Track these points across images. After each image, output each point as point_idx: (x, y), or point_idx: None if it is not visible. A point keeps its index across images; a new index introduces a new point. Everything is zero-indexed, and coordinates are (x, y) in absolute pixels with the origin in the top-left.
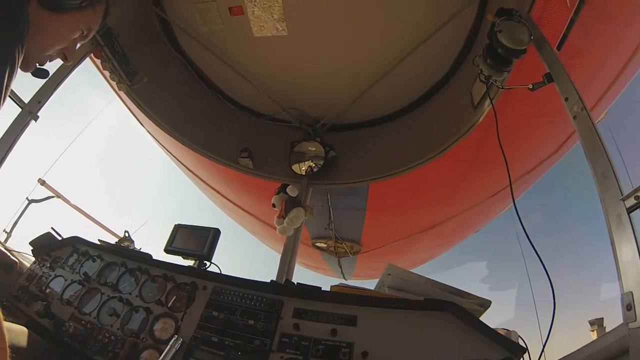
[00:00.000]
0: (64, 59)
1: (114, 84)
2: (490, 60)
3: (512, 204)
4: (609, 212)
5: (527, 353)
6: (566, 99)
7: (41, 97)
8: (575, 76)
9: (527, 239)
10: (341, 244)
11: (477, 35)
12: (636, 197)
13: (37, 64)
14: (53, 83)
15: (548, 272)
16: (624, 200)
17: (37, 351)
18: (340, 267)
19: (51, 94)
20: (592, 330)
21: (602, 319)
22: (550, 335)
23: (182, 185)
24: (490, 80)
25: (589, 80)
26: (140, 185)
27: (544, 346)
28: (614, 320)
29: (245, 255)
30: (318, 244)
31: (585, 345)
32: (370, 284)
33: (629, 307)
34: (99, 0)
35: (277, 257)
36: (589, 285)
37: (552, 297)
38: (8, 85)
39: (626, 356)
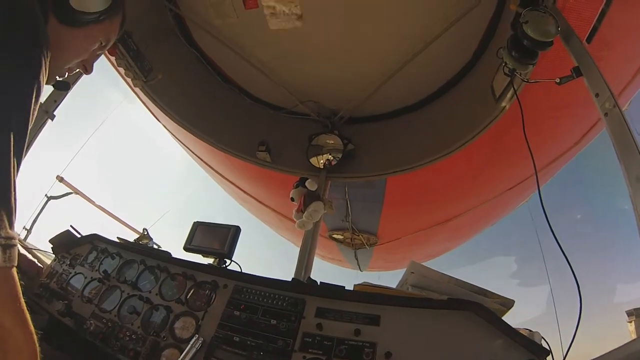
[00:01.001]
0: (84, 70)
1: (129, 80)
2: (515, 52)
3: (538, 196)
4: None
5: (550, 355)
6: (596, 95)
7: (57, 97)
8: (603, 69)
9: (552, 234)
10: (358, 236)
11: (497, 26)
12: None
13: (58, 77)
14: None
15: (574, 271)
16: None
17: None
18: (357, 259)
19: (67, 93)
20: (630, 322)
21: None
22: (575, 337)
23: (200, 180)
24: (515, 73)
25: (615, 73)
26: (158, 181)
27: (568, 349)
28: None
29: (263, 248)
30: (335, 236)
31: (622, 346)
32: (387, 275)
33: None
34: (116, 12)
35: (294, 250)
36: (615, 285)
37: (577, 295)
38: (35, 107)
39: None
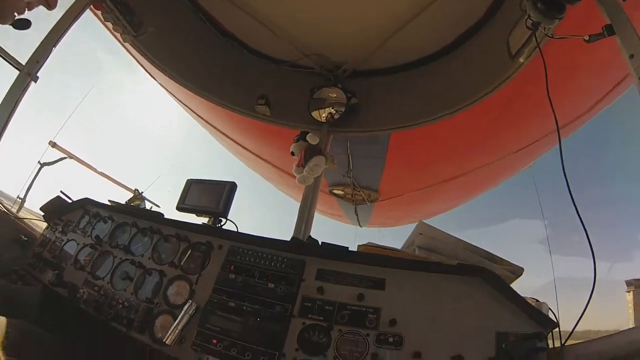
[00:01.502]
0: (46, 5)
1: (118, 36)
2: (541, 4)
3: (561, 161)
4: None
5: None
6: (631, 56)
7: (39, 57)
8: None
9: (572, 203)
10: (359, 191)
11: None
12: None
13: (16, 14)
14: (50, 41)
15: (590, 240)
16: None
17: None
18: (357, 215)
19: (49, 53)
20: (629, 291)
21: None
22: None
23: (200, 137)
24: (539, 27)
25: None
26: (157, 140)
27: (576, 323)
28: None
29: (263, 207)
30: (335, 191)
31: (625, 331)
32: (391, 233)
33: None
34: None
35: (294, 207)
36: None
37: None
38: None
39: None
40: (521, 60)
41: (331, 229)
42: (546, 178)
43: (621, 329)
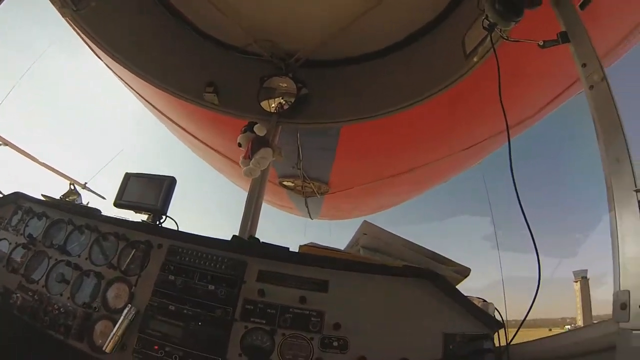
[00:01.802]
0: None
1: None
2: (500, 5)
3: (509, 160)
4: (617, 201)
5: (504, 329)
6: (583, 65)
7: None
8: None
9: (517, 200)
10: (309, 183)
11: None
12: None
13: None
14: None
15: (534, 238)
16: (637, 192)
17: None
18: (307, 207)
19: None
20: (576, 281)
21: (587, 270)
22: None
23: (150, 125)
24: (495, 28)
25: (600, 42)
26: (100, 126)
27: (520, 324)
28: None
29: (216, 200)
30: (285, 183)
31: (570, 331)
32: (342, 226)
33: (623, 306)
34: None
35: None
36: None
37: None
38: None
39: (612, 352)
40: (475, 59)
41: (283, 221)
42: (497, 175)
43: (569, 317)
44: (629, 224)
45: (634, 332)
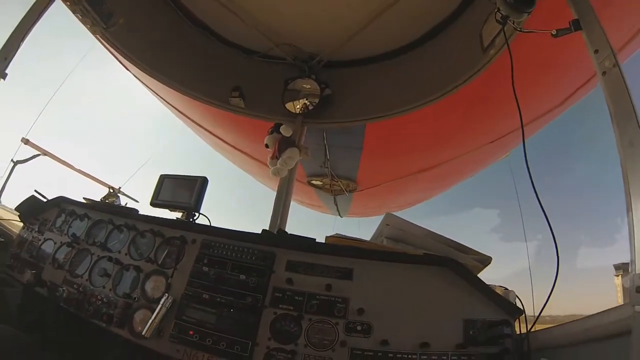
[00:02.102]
0: None
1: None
2: None
3: (524, 153)
4: (633, 185)
5: (524, 315)
6: (595, 52)
7: (7, 53)
8: (604, 25)
9: (534, 191)
10: (337, 182)
11: None
12: None
13: None
14: (18, 36)
15: (553, 231)
16: None
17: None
18: (336, 205)
19: (17, 49)
20: (617, 275)
21: (629, 264)
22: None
23: (177, 129)
24: (508, 21)
25: (613, 31)
26: (134, 133)
27: (540, 311)
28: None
29: (243, 199)
30: (314, 182)
31: (585, 317)
32: (370, 222)
33: (638, 289)
34: None
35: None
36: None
37: (555, 256)
38: None
39: (626, 337)
40: (492, 52)
41: (315, 219)
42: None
43: None
44: None
45: None
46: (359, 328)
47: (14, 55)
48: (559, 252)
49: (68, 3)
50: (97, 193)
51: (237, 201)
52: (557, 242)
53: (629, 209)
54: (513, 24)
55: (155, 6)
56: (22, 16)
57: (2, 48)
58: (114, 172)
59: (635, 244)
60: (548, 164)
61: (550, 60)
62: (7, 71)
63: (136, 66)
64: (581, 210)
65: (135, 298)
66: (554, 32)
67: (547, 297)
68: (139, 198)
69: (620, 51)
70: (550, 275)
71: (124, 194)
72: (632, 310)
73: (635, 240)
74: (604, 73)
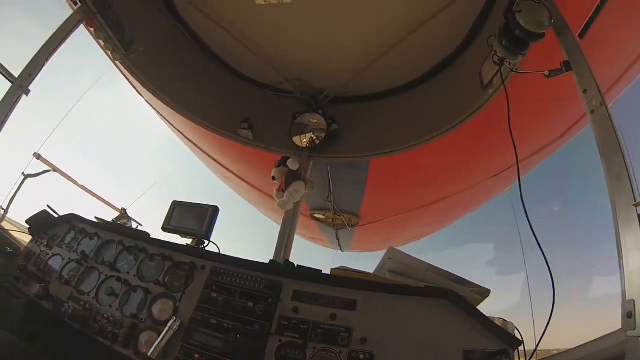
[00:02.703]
0: None
1: (109, 53)
2: (506, 41)
3: (519, 188)
4: (620, 216)
5: (522, 345)
6: (584, 91)
7: (32, 70)
8: (592, 65)
9: (528, 224)
10: (339, 216)
11: (490, 13)
12: None
13: None
14: (43, 55)
15: (549, 263)
16: (636, 206)
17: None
18: (338, 239)
19: (42, 67)
20: None
21: None
22: (547, 329)
23: (183, 156)
24: (504, 63)
25: (604, 70)
26: (140, 157)
27: (539, 342)
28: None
29: (245, 228)
30: (316, 215)
31: (581, 346)
32: (368, 256)
33: (629, 314)
34: None
35: (275, 230)
36: (589, 277)
37: (551, 287)
38: None
39: None
40: (490, 91)
41: (314, 252)
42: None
43: None
44: (632, 237)
45: None
46: (361, 357)
47: (38, 73)
48: (554, 285)
49: (93, 29)
50: (99, 212)
51: (237, 229)
52: (553, 275)
53: (617, 239)
54: (509, 65)
55: (173, 37)
56: (48, 36)
57: (28, 65)
58: (119, 189)
59: (624, 273)
60: (561, 192)
61: (548, 95)
62: (30, 88)
63: (150, 92)
64: (597, 239)
65: (141, 319)
66: (546, 72)
67: (544, 328)
68: (142, 222)
69: (612, 88)
70: (556, 307)
71: (131, 218)
72: (625, 336)
73: (624, 269)
74: (592, 111)
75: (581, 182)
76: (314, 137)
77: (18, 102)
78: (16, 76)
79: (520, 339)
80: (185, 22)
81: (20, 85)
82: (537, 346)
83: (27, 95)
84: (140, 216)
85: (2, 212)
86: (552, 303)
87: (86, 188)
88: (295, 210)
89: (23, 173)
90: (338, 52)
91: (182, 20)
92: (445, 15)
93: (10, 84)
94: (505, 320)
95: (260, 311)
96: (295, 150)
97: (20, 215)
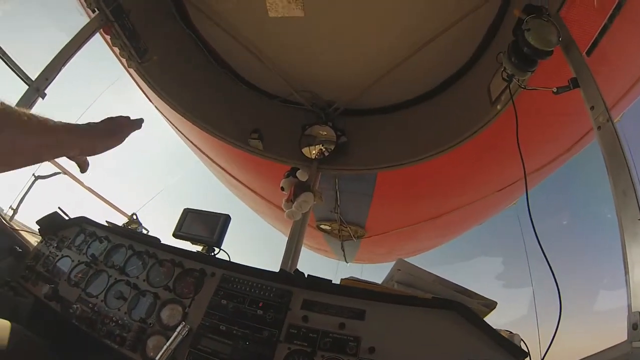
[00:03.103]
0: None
1: (123, 60)
2: (515, 58)
3: (526, 202)
4: (626, 230)
5: (528, 357)
6: (592, 108)
7: (48, 74)
8: (599, 82)
9: (536, 238)
10: (346, 227)
11: (498, 29)
12: None
13: None
14: (60, 60)
15: (555, 276)
16: None
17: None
18: (343, 251)
19: (59, 71)
20: None
21: None
22: (553, 340)
23: (191, 164)
24: (513, 79)
25: (611, 86)
26: (148, 163)
27: (545, 353)
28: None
29: (251, 236)
30: (322, 226)
31: (586, 358)
32: (371, 268)
33: (635, 326)
34: None
35: (282, 239)
36: (595, 290)
37: (556, 300)
38: None
39: None
40: (499, 107)
41: (317, 262)
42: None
43: None
44: (637, 250)
45: None
46: None
47: (54, 78)
48: (561, 298)
49: (109, 37)
50: (107, 216)
51: (241, 238)
52: (559, 287)
53: (624, 251)
54: (518, 81)
55: (187, 47)
56: (65, 42)
57: (44, 70)
58: (127, 193)
59: (631, 285)
60: (571, 205)
61: (556, 110)
62: (46, 91)
63: (163, 100)
64: (603, 253)
65: (150, 324)
66: (554, 89)
67: (550, 341)
68: (148, 228)
69: (620, 101)
70: (562, 320)
71: (140, 223)
72: (630, 347)
73: (630, 281)
74: (599, 127)
75: (587, 194)
76: (323, 149)
77: (34, 105)
78: (33, 79)
79: (527, 351)
80: (198, 32)
81: (37, 88)
82: (543, 357)
83: (42, 98)
84: (146, 223)
85: (12, 211)
86: (558, 316)
87: (95, 192)
88: (303, 221)
89: (33, 174)
90: (349, 65)
91: (195, 30)
92: (454, 31)
93: (27, 87)
94: (511, 332)
95: (269, 319)
96: (305, 161)
97: (26, 216)
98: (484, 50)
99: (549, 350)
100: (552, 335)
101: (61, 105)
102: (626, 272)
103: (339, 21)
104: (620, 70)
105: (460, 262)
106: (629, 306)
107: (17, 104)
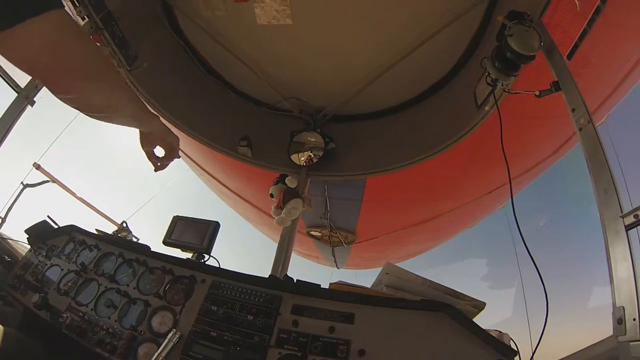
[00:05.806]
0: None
1: None
2: (499, 63)
3: (511, 204)
4: (608, 227)
5: (518, 356)
6: (573, 110)
7: (38, 82)
8: (581, 85)
9: (522, 240)
10: (336, 233)
11: (484, 34)
12: (635, 216)
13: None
14: None
15: (542, 276)
16: (623, 217)
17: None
18: (334, 257)
19: None
20: None
21: None
22: (541, 338)
23: (181, 172)
24: (497, 84)
25: (593, 89)
26: (137, 171)
27: (534, 352)
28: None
29: (241, 243)
30: (313, 233)
31: (575, 353)
32: (364, 274)
33: (619, 321)
34: None
35: (272, 246)
36: (583, 289)
37: (544, 300)
38: None
39: None
40: (485, 110)
41: (308, 269)
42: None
43: None
44: (619, 247)
45: (631, 343)
46: None
47: (43, 85)
48: (548, 298)
49: (99, 44)
50: (96, 224)
51: (231, 244)
52: (545, 287)
53: (607, 249)
54: (502, 85)
55: (176, 54)
56: None
57: (32, 78)
58: (116, 201)
59: (614, 281)
60: (562, 206)
61: (541, 113)
62: (35, 99)
63: (151, 107)
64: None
65: (141, 331)
66: (537, 93)
67: (539, 338)
68: (138, 235)
69: (604, 104)
70: (556, 318)
71: (130, 231)
72: (616, 342)
73: (614, 277)
74: (580, 129)
75: (576, 193)
76: (312, 155)
77: (23, 113)
78: (22, 87)
79: (516, 350)
80: (187, 40)
81: (26, 96)
82: (532, 355)
83: (32, 106)
84: (135, 231)
85: (0, 220)
86: (545, 314)
87: (84, 200)
88: (292, 227)
89: (22, 183)
90: (337, 72)
91: (184, 38)
92: (441, 38)
93: (16, 94)
94: (500, 332)
95: (260, 324)
96: (294, 168)
97: (14, 225)
98: (469, 56)
99: (540, 348)
100: (540, 333)
101: (50, 112)
102: (610, 268)
103: (327, 29)
104: (602, 73)
105: (449, 264)
106: (613, 301)
107: (6, 112)
